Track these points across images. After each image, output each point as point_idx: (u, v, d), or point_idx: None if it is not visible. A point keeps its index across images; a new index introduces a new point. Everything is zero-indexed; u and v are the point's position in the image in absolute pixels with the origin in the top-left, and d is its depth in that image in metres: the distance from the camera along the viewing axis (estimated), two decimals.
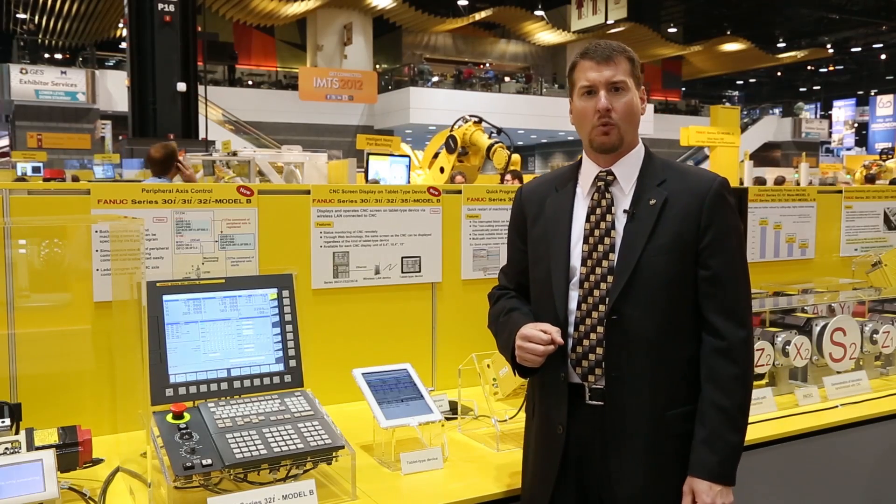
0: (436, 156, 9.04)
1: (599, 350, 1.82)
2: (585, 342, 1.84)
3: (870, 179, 14.56)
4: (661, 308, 1.79)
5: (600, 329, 1.82)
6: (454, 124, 8.56)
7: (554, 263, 1.90)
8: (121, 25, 23.19)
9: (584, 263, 1.86)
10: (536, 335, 1.83)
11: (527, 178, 13.94)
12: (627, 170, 1.88)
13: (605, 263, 1.83)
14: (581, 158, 1.97)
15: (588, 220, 1.88)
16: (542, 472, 1.93)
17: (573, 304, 1.87)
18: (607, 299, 1.81)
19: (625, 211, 1.85)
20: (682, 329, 1.82)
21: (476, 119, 8.43)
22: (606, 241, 1.84)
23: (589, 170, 1.93)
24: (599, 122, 1.83)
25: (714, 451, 1.75)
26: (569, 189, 1.95)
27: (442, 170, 8.63)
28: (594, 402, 1.84)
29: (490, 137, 8.39)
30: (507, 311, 2.01)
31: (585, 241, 1.87)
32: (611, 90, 1.83)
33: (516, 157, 8.24)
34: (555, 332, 1.83)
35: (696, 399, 1.80)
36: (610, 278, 1.82)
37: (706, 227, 1.80)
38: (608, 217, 1.86)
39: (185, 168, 6.39)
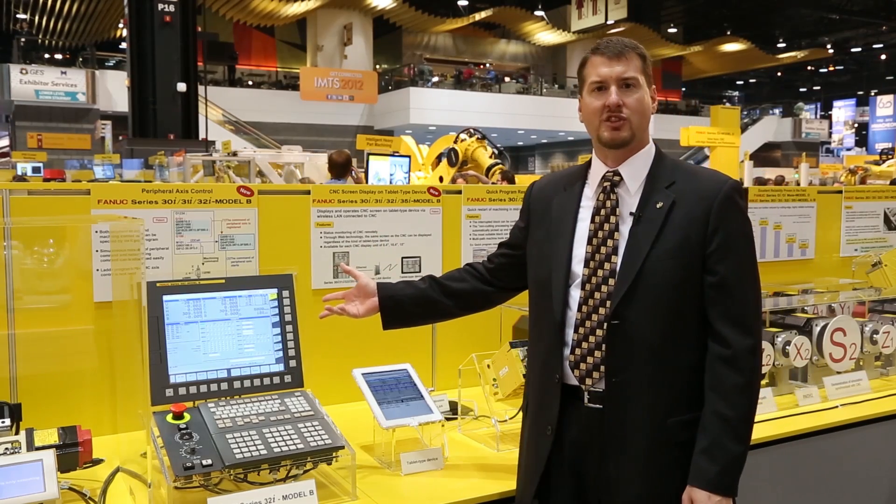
0: (439, 158, 9.11)
1: (598, 353, 1.80)
2: (585, 345, 1.82)
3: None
4: (665, 313, 1.76)
5: (600, 332, 1.80)
6: (458, 136, 8.64)
7: (555, 263, 1.88)
8: (121, 25, 23.21)
9: (586, 265, 1.84)
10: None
11: (527, 178, 13.98)
12: (635, 170, 1.85)
13: (607, 266, 1.81)
14: (591, 159, 1.95)
15: (592, 220, 1.86)
16: (529, 474, 1.93)
17: (574, 306, 1.85)
18: (609, 303, 1.79)
19: (631, 213, 1.82)
20: (687, 335, 1.79)
21: (479, 136, 8.51)
22: (610, 242, 1.82)
23: (597, 170, 1.90)
24: (609, 116, 1.80)
25: (714, 460, 1.72)
26: (576, 189, 1.93)
27: (441, 179, 8.77)
28: (593, 405, 1.82)
29: (491, 157, 8.48)
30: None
31: (589, 242, 1.85)
32: (622, 86, 1.80)
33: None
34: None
35: (700, 407, 1.77)
36: (612, 281, 1.79)
37: (714, 231, 1.76)
38: (612, 218, 1.83)
39: (356, 171, 6.91)
